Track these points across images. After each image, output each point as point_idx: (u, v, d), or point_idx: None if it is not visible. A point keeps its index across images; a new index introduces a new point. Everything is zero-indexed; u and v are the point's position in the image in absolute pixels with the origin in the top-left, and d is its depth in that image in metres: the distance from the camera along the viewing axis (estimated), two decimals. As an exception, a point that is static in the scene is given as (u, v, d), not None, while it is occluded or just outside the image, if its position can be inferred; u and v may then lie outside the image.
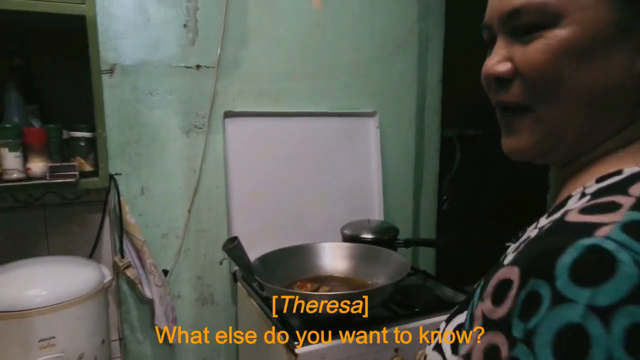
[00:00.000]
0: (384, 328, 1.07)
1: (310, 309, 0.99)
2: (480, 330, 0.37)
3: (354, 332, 1.04)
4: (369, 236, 1.37)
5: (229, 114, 1.41)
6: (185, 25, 1.35)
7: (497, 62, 0.44)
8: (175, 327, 1.36)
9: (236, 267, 1.41)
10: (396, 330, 1.08)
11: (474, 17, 0.47)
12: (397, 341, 1.07)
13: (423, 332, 1.10)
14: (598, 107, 0.41)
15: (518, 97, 0.44)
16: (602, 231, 0.33)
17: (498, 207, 2.08)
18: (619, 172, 0.40)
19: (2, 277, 1.03)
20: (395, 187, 1.72)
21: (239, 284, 1.38)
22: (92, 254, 1.28)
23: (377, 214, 1.63)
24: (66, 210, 1.26)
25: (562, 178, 0.48)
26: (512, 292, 0.35)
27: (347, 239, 1.39)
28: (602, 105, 0.41)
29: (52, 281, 1.04)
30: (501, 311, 0.35)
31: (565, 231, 0.35)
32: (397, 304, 1.18)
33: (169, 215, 1.39)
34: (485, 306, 0.37)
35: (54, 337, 0.99)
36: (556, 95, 0.41)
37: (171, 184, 1.39)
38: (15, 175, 0.99)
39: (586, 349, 0.30)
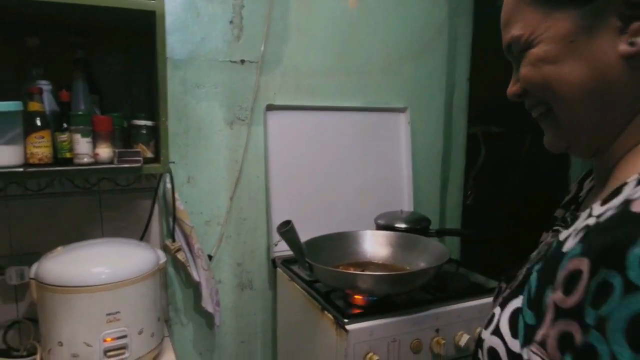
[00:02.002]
0: (426, 309, 1.13)
1: (361, 287, 1.05)
2: (553, 319, 0.40)
3: (398, 312, 1.10)
4: (402, 226, 1.43)
5: (270, 107, 1.47)
6: (231, 22, 1.42)
7: (511, 85, 0.56)
8: (219, 310, 1.43)
9: (276, 254, 1.48)
10: (437, 312, 1.14)
11: (500, 19, 0.56)
12: (438, 322, 1.14)
13: (462, 314, 1.16)
14: (595, 99, 0.47)
15: (533, 106, 0.54)
16: None
17: (519, 203, 2.14)
18: None
19: (69, 256, 1.09)
20: (423, 181, 1.78)
21: (279, 269, 1.45)
22: (142, 238, 1.34)
23: (407, 206, 1.69)
24: (119, 196, 1.33)
25: (605, 166, 0.51)
26: (583, 282, 0.38)
27: (380, 228, 1.45)
28: (598, 97, 0.47)
29: (113, 260, 1.10)
30: (572, 300, 0.38)
31: (634, 222, 0.37)
32: (436, 289, 1.24)
33: (212, 203, 1.46)
34: (556, 296, 0.40)
35: (118, 312, 1.06)
36: (554, 97, 0.49)
37: (215, 173, 1.45)
38: (85, 160, 1.06)
39: None
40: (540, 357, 0.41)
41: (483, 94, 1.90)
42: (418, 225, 1.46)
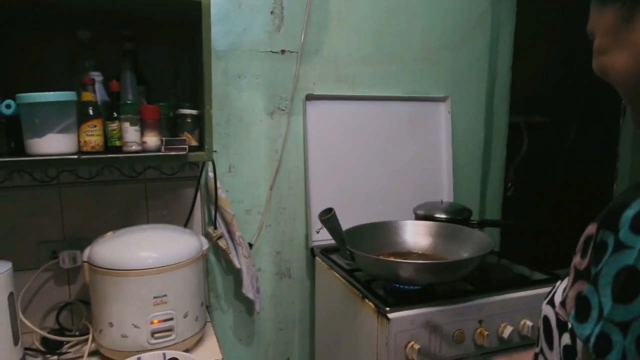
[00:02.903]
0: (469, 300, 1.12)
1: (402, 276, 1.05)
2: (573, 281, 0.44)
3: (440, 302, 1.09)
4: (442, 216, 1.41)
5: (310, 97, 1.48)
6: (272, 12, 1.43)
7: None
8: (259, 297, 1.45)
9: (314, 243, 1.49)
10: (480, 303, 1.12)
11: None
12: (481, 313, 1.12)
13: (506, 306, 1.14)
14: (637, 78, 0.50)
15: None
16: None
17: (562, 196, 2.07)
18: None
19: (118, 241, 1.13)
20: (464, 171, 1.75)
21: (317, 258, 1.46)
22: (186, 225, 1.38)
23: (446, 197, 1.67)
24: (164, 184, 1.36)
25: None
26: (592, 244, 0.41)
27: (420, 218, 1.44)
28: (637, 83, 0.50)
29: (160, 245, 1.14)
30: (585, 262, 0.42)
31: (636, 188, 0.40)
32: (478, 280, 1.22)
33: (253, 192, 1.48)
34: (576, 260, 0.44)
35: (165, 295, 1.09)
36: (611, 82, 0.53)
37: (255, 162, 1.47)
38: (134, 148, 1.09)
39: (637, 286, 0.35)
40: (562, 316, 0.46)
41: (526, 82, 1.85)
42: (459, 216, 1.43)
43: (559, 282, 0.54)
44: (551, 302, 0.52)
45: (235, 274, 1.47)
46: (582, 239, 0.44)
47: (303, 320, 1.60)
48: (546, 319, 0.51)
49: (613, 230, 0.38)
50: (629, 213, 0.38)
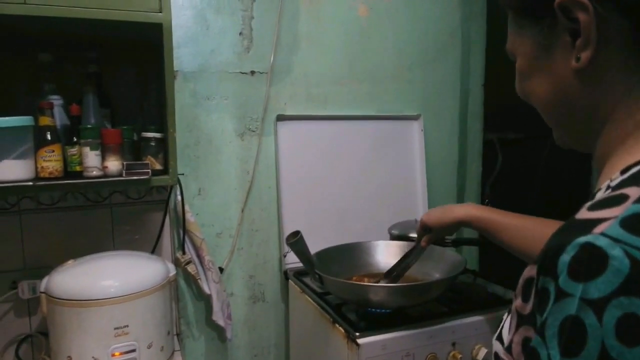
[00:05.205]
0: (442, 322, 1.09)
1: (372, 300, 1.02)
2: (517, 325, 0.42)
3: (412, 325, 1.06)
4: (416, 235, 1.39)
5: (280, 117, 1.46)
6: (240, 33, 1.42)
7: None
8: (230, 323, 1.41)
9: (288, 266, 1.46)
10: (453, 325, 1.10)
11: None
12: (454, 335, 1.09)
13: (479, 327, 1.12)
14: (560, 109, 0.49)
15: None
16: (600, 228, 0.35)
17: (539, 210, 2.08)
18: None
19: (79, 269, 1.09)
20: (439, 190, 1.74)
21: (290, 281, 1.42)
22: (154, 251, 1.34)
23: (421, 215, 1.65)
24: (130, 209, 1.33)
25: (599, 169, 0.50)
26: (534, 289, 0.39)
27: (394, 238, 1.42)
28: (561, 108, 0.49)
29: (123, 273, 1.10)
30: (529, 307, 0.40)
31: (570, 229, 0.38)
32: (452, 301, 1.20)
33: (224, 215, 1.45)
34: (517, 303, 0.42)
35: (127, 326, 1.05)
36: (534, 103, 0.52)
37: (226, 185, 1.45)
38: (94, 173, 1.06)
39: (583, 337, 0.34)
40: None
41: (499, 99, 1.86)
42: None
43: (506, 314, 0.52)
44: (500, 338, 0.50)
45: (206, 300, 1.42)
46: (521, 281, 0.42)
47: (279, 345, 1.55)
48: (496, 356, 0.49)
49: (553, 277, 0.36)
50: (565, 258, 0.36)
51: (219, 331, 1.45)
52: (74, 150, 1.06)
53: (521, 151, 2.00)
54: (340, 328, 1.07)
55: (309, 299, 1.26)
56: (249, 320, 1.51)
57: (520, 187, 2.08)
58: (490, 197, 1.94)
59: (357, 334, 1.02)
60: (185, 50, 1.36)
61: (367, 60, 1.59)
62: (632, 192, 0.38)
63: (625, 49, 0.43)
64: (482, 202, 1.90)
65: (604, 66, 0.44)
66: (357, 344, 1.00)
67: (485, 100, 1.82)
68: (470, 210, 1.01)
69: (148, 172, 1.07)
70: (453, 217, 1.03)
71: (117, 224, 1.32)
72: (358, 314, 1.13)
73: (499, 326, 0.53)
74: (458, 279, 1.32)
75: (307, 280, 1.35)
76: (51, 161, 1.04)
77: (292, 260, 1.42)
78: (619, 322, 0.33)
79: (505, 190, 1.99)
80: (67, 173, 1.07)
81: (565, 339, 0.35)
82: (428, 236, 1.11)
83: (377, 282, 1.16)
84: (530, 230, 0.94)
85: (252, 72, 1.44)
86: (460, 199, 1.81)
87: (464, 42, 1.73)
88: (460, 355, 1.07)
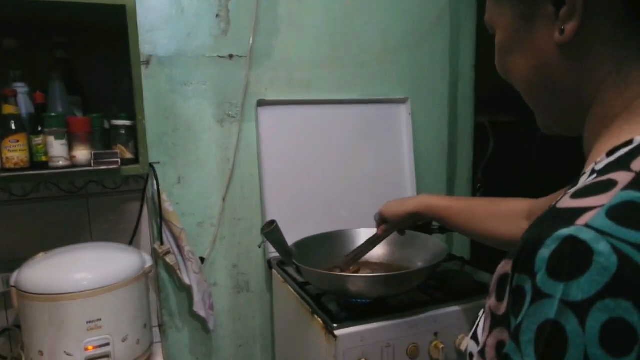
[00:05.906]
0: (423, 311, 1.06)
1: (350, 290, 0.99)
2: (490, 327, 0.37)
3: (392, 315, 1.03)
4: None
5: (261, 103, 1.42)
6: (217, 15, 1.37)
7: None
8: (212, 314, 1.38)
9: (271, 255, 1.42)
10: (435, 314, 1.07)
11: None
12: (436, 325, 1.06)
13: (463, 316, 1.09)
14: (542, 87, 0.45)
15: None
16: (584, 218, 0.31)
17: (532, 195, 2.03)
18: (630, 142, 0.37)
19: (51, 262, 1.06)
20: (428, 175, 1.70)
21: (274, 271, 1.39)
22: (131, 241, 1.31)
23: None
24: (107, 199, 1.29)
25: (587, 152, 0.46)
26: (508, 287, 0.35)
27: (381, 225, 1.38)
28: (544, 85, 0.45)
29: (96, 266, 1.07)
30: (503, 307, 0.35)
31: (550, 220, 0.33)
32: (435, 289, 1.17)
33: (205, 203, 1.42)
34: (491, 302, 0.37)
35: (100, 320, 1.02)
36: (514, 82, 0.48)
37: (206, 172, 1.41)
38: (61, 163, 1.02)
39: (563, 345, 0.30)
40: None
41: (491, 81, 1.78)
42: (420, 222, 1.38)
43: (482, 312, 0.47)
44: (475, 337, 0.47)
45: (188, 291, 1.40)
46: (495, 277, 0.37)
47: (264, 334, 1.53)
48: (470, 356, 0.46)
49: (529, 275, 0.32)
50: (544, 253, 0.31)
51: (203, 322, 1.43)
52: (39, 140, 1.02)
53: (514, 134, 1.94)
54: (319, 319, 1.04)
55: (291, 289, 1.23)
56: (233, 311, 1.48)
57: (513, 172, 2.04)
58: (482, 181, 1.90)
59: (335, 325, 0.99)
60: (160, 33, 1.31)
61: (350, 43, 1.53)
62: (621, 177, 0.33)
63: (614, 20, 0.38)
64: (474, 187, 1.86)
65: (590, 39, 0.39)
66: (335, 336, 0.97)
67: (476, 81, 1.77)
68: (422, 200, 1.00)
69: (117, 161, 1.04)
70: (405, 209, 1.02)
71: (94, 214, 1.28)
72: (339, 304, 1.11)
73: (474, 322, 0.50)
74: (445, 267, 1.29)
75: (290, 270, 1.32)
76: (16, 151, 1.00)
77: (274, 250, 1.38)
78: (603, 328, 0.29)
79: (497, 174, 1.95)
80: (34, 163, 1.03)
81: (543, 346, 0.31)
82: (383, 227, 1.10)
83: (358, 270, 1.13)
84: (479, 212, 0.91)
85: (231, 56, 1.39)
86: (451, 184, 1.77)
87: (452, 20, 1.67)
88: (442, 345, 1.04)
